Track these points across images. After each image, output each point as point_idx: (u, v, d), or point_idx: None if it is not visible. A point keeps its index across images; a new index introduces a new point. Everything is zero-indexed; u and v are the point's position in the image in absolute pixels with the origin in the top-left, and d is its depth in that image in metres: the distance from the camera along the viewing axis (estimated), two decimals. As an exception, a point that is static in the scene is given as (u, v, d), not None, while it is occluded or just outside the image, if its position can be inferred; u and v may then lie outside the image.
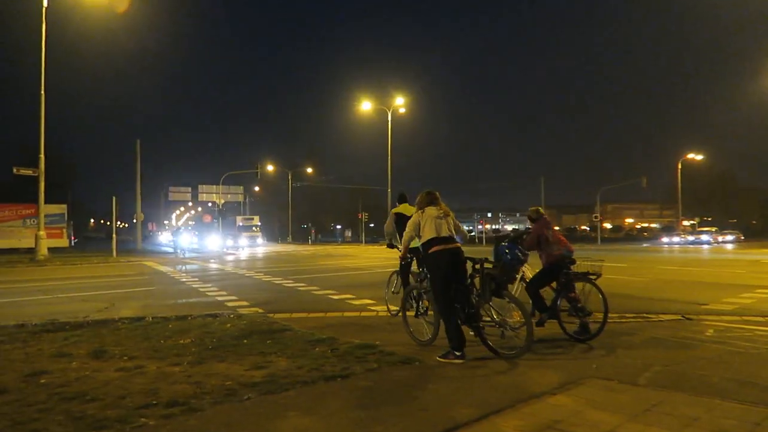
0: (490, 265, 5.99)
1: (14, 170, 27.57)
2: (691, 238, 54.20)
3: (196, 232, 58.90)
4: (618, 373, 5.17)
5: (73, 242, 48.77)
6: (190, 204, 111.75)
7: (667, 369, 5.34)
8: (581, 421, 3.95)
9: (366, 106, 43.59)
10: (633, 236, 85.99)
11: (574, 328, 6.64)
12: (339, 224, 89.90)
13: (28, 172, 27.31)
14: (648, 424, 3.88)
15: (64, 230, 40.43)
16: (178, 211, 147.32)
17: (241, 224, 56.25)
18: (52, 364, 5.65)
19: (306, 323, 8.06)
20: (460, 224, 6.27)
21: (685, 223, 68.46)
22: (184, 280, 16.32)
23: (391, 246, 8.62)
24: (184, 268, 23.18)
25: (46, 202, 28.17)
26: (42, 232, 27.15)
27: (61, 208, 40.32)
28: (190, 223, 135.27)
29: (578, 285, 6.70)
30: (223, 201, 52.94)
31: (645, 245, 49.64)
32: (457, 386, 4.79)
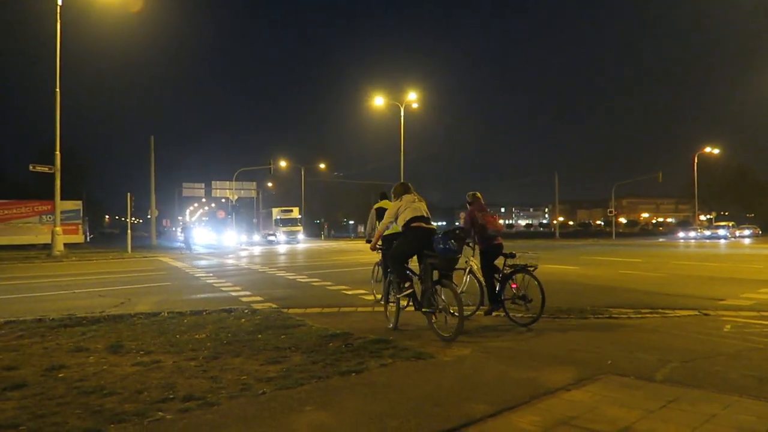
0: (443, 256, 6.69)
1: (30, 167, 27.92)
2: (707, 232, 53.60)
3: (210, 228, 59.21)
4: (634, 368, 5.14)
5: (88, 238, 49.32)
6: (203, 200, 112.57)
7: (685, 365, 5.30)
8: (597, 417, 3.94)
9: (379, 101, 43.50)
10: (648, 231, 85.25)
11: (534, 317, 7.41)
12: (351, 220, 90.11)
13: (44, 168, 27.63)
14: (665, 421, 3.86)
15: (80, 226, 40.87)
16: (191, 207, 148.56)
17: (279, 217, 49.31)
18: (70, 358, 5.73)
19: (320, 318, 8.09)
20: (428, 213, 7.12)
21: (702, 217, 67.72)
22: (199, 275, 16.45)
23: (370, 242, 8.79)
24: (192, 259, 25.25)
25: (61, 199, 28.54)
26: (58, 228, 27.49)
27: (76, 205, 40.76)
28: (203, 219, 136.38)
29: (518, 276, 7.46)
30: (236, 197, 52.97)
31: (661, 240, 49.18)
32: (471, 381, 4.79)
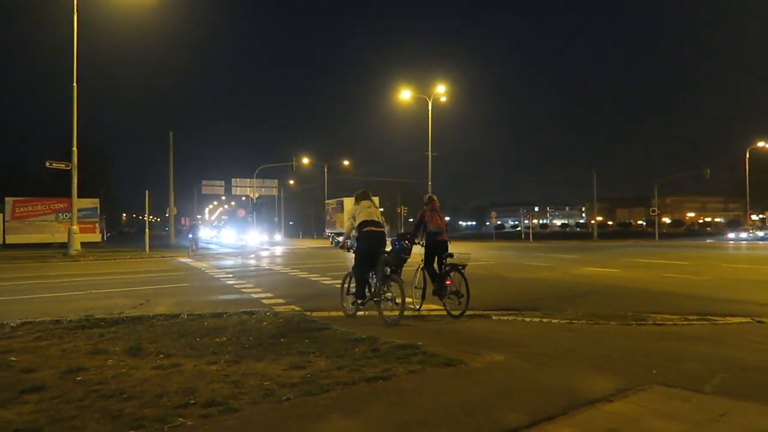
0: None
1: (47, 164, 28.61)
2: (760, 233, 52.33)
3: (230, 227, 59.91)
4: (681, 379, 5.05)
5: (105, 237, 50.34)
6: (223, 198, 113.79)
7: (736, 376, 5.19)
8: (640, 430, 3.88)
9: (405, 95, 43.48)
10: (695, 231, 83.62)
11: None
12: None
13: (61, 165, 28.28)
14: (715, 435, 3.78)
15: (97, 225, 41.72)
16: (210, 206, 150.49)
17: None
18: (88, 360, 5.85)
19: (345, 322, 8.13)
20: (383, 217, 8.85)
21: (754, 217, 66.13)
22: (218, 276, 16.67)
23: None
24: (193, 254, 27.69)
25: (78, 197, 29.16)
26: (75, 227, 28.11)
27: (93, 203, 41.60)
28: (223, 217, 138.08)
29: (454, 274, 8.81)
30: (257, 195, 53.46)
31: (708, 241, 48.20)
32: (505, 390, 4.76)
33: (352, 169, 79.63)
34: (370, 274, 8.50)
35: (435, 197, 9.65)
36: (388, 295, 8.22)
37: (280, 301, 10.95)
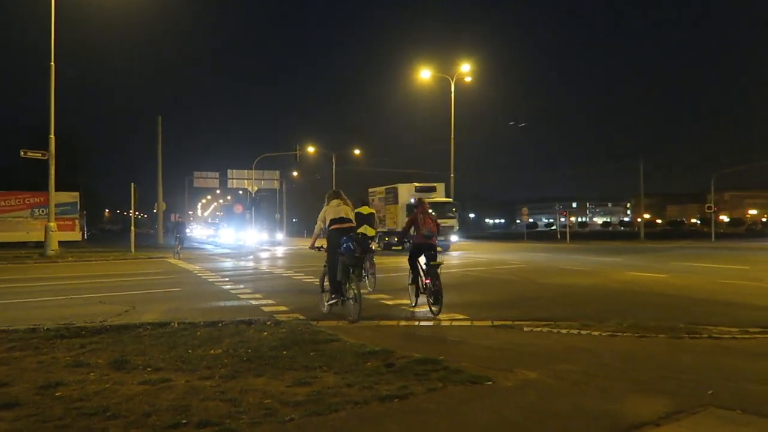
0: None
1: (21, 153, 28.86)
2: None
3: (225, 225, 60.06)
4: (741, 401, 5.01)
5: (86, 235, 50.79)
6: (217, 192, 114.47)
7: (804, 397, 5.14)
8: (695, 458, 3.85)
9: (425, 74, 43.40)
10: (757, 232, 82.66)
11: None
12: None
13: (37, 155, 28.57)
14: (780, 465, 3.75)
15: (77, 222, 42.10)
16: (204, 200, 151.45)
17: (414, 201, 34.01)
18: (68, 374, 5.92)
19: (355, 333, 8.15)
20: (353, 215, 10.41)
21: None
22: (213, 280, 16.79)
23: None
24: (177, 255, 27.35)
25: (56, 190, 29.43)
26: (53, 224, 28.39)
27: (73, 197, 41.98)
28: (217, 213, 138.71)
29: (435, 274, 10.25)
30: (256, 188, 53.62)
31: (772, 243, 47.67)
32: (539, 412, 4.75)
33: (363, 159, 79.73)
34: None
35: (425, 200, 11.45)
36: (350, 293, 9.58)
37: (283, 308, 11.00)
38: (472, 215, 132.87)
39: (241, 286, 15.11)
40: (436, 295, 10.13)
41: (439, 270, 10.41)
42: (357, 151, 74.00)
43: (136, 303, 11.93)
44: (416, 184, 34.65)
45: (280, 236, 51.93)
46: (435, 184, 35.82)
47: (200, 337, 7.71)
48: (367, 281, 13.72)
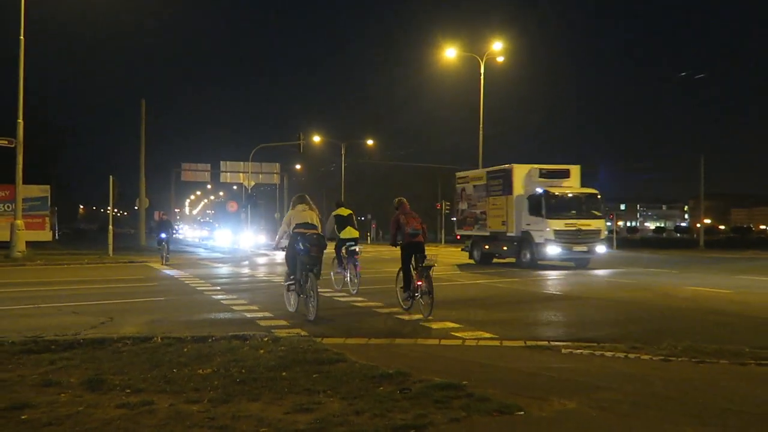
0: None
1: (-16, 139, 29.05)
2: None
3: (217, 225, 60.13)
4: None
5: (57, 235, 51.10)
6: (209, 187, 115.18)
7: None
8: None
9: (450, 54, 43.34)
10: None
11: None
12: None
13: (3, 142, 28.77)
14: None
15: (47, 219, 42.32)
16: (193, 196, 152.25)
17: (542, 190, 25.38)
18: (36, 395, 5.97)
19: (366, 352, 8.16)
20: (321, 219, 12.21)
21: None
22: (202, 288, 16.87)
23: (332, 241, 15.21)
24: (165, 260, 26.82)
25: (25, 182, 29.62)
26: (19, 222, 28.56)
27: (43, 191, 42.14)
28: (209, 212, 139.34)
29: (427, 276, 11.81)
30: (253, 183, 53.81)
31: None
32: (578, 448, 4.73)
33: (377, 151, 79.75)
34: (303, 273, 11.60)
35: (405, 200, 13.04)
36: (311, 292, 11.37)
37: (282, 322, 11.04)
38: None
39: (235, 296, 15.17)
40: (429, 296, 11.62)
41: (431, 271, 11.94)
42: (370, 142, 73.90)
43: (114, 314, 12.02)
44: (540, 167, 26.72)
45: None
46: (568, 167, 27.59)
47: (187, 354, 7.75)
48: (349, 284, 15.53)
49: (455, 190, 31.74)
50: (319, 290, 11.62)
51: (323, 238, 12.03)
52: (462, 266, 26.73)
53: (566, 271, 23.35)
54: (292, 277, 12.02)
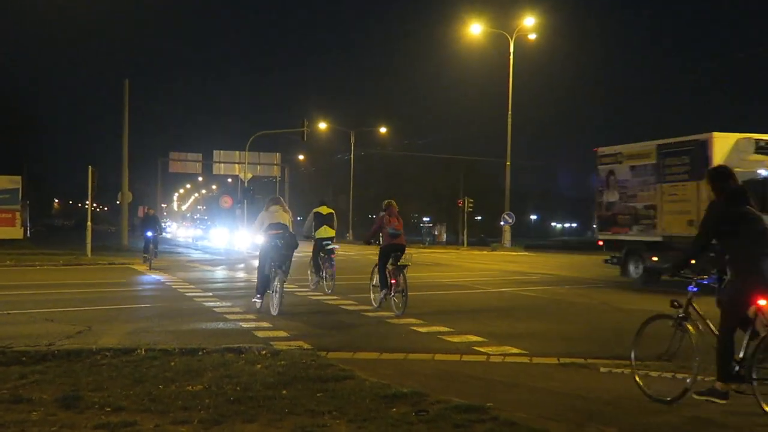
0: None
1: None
2: None
3: (213, 222, 59.82)
4: None
5: (29, 232, 51.21)
6: (200, 179, 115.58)
7: None
8: None
9: (476, 30, 43.24)
10: None
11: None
12: (427, 215, 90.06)
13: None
14: None
15: (18, 215, 42.37)
16: (182, 190, 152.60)
17: None
18: (4, 413, 5.98)
19: (377, 368, 8.17)
20: (290, 221, 14.30)
21: None
22: (192, 294, 16.89)
23: (309, 238, 18.01)
24: (150, 262, 26.02)
25: (-7, 173, 29.75)
26: (-13, 217, 28.72)
27: (13, 182, 42.18)
28: (200, 208, 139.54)
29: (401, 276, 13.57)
30: (250, 175, 53.49)
31: None
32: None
33: (390, 139, 79.66)
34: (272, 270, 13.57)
35: (393, 203, 14.56)
36: (277, 288, 13.36)
37: (281, 333, 11.05)
38: (533, 216, 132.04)
39: (229, 303, 15.19)
40: (402, 295, 13.41)
41: (405, 271, 13.68)
42: (383, 130, 73.74)
43: (93, 322, 12.05)
44: (757, 137, 20.60)
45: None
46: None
47: (175, 368, 7.77)
48: (324, 284, 17.42)
49: (597, 173, 25.03)
50: (285, 288, 14.15)
51: (294, 238, 13.96)
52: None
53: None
54: (258, 295, 13.87)
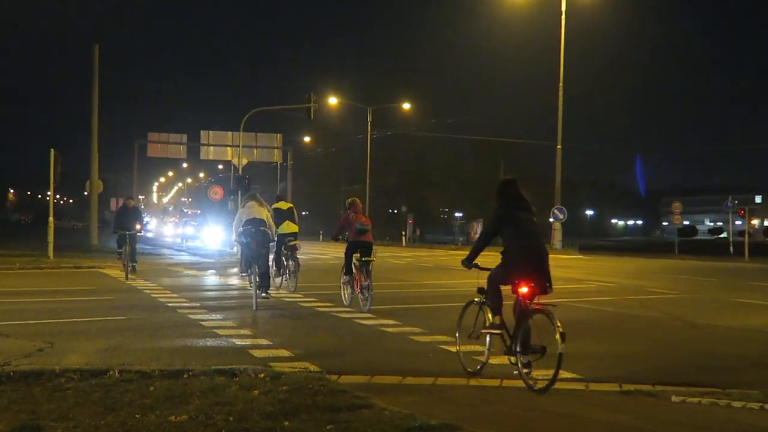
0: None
1: None
2: None
3: (196, 219, 59.68)
4: None
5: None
6: (184, 165, 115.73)
7: None
8: None
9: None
10: None
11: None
12: (459, 210, 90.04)
13: None
14: None
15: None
16: (162, 179, 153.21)
17: None
18: (-51, 446, 6.03)
19: (399, 395, 8.16)
20: (270, 219, 17.43)
21: None
22: (176, 305, 16.94)
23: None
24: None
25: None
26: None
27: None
28: (184, 200, 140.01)
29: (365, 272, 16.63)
30: (245, 161, 53.41)
31: None
32: None
33: (414, 118, 79.38)
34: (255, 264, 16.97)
35: (358, 201, 17.86)
36: (255, 282, 16.82)
37: (283, 352, 11.04)
38: (589, 212, 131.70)
39: (220, 315, 15.25)
40: (367, 291, 16.30)
41: (370, 267, 16.76)
42: (406, 105, 73.37)
43: (56, 337, 12.08)
44: None
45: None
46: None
47: (154, 394, 7.76)
48: (288, 281, 20.42)
49: None
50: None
51: (267, 233, 17.07)
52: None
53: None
54: (249, 271, 17.67)
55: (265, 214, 17.12)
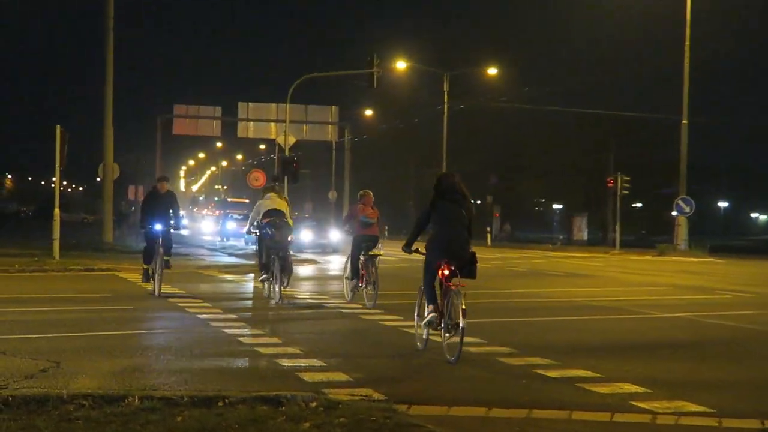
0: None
1: None
2: None
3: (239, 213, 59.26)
4: None
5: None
6: (218, 145, 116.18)
7: None
8: None
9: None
10: None
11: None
12: (559, 201, 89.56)
13: None
14: None
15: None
16: (191, 161, 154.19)
17: None
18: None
19: (484, 431, 8.12)
20: (290, 210, 21.63)
21: None
22: (208, 316, 16.94)
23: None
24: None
25: None
26: None
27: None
28: (219, 188, 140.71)
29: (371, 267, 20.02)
30: (293, 139, 52.94)
31: None
32: None
33: (502, 87, 78.69)
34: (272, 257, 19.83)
35: (370, 192, 20.65)
36: (276, 275, 19.54)
37: (340, 377, 11.01)
38: (723, 204, 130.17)
39: (262, 330, 15.31)
40: (373, 287, 19.08)
41: (377, 261, 19.64)
42: (493, 71, 72.88)
43: (64, 356, 12.16)
44: None
45: (336, 235, 51.91)
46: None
47: (182, 426, 7.81)
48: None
49: None
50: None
51: (288, 225, 20.31)
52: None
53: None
54: (263, 272, 21.01)
55: (285, 206, 20.30)
